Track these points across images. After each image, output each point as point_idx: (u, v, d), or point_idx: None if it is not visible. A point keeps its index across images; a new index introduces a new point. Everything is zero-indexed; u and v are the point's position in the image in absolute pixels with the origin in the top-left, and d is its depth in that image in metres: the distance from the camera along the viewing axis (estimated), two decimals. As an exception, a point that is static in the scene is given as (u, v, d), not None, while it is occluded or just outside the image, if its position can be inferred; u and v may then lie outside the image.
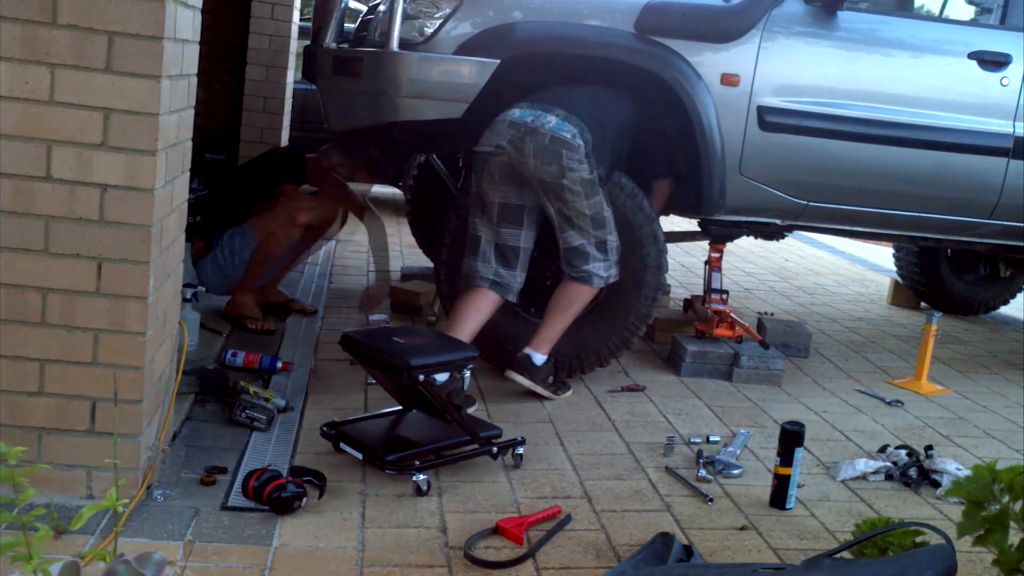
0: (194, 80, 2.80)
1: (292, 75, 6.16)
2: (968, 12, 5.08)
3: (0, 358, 2.43)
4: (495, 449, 3.01)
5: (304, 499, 2.62)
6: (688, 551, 2.54)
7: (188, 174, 2.86)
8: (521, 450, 3.07)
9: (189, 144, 2.82)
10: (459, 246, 3.88)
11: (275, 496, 2.58)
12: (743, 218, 4.26)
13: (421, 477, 2.79)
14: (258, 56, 5.81)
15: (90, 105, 2.35)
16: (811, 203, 4.21)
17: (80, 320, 2.43)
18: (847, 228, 4.53)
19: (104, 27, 2.32)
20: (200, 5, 2.74)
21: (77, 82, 2.33)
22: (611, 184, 3.86)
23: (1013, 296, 6.25)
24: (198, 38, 2.78)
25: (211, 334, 4.00)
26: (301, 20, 6.66)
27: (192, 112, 2.81)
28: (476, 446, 2.99)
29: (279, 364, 3.71)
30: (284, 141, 6.15)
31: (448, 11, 3.78)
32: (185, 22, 2.58)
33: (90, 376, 2.46)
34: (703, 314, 4.42)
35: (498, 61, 3.75)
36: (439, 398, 2.97)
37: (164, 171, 2.50)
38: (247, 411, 3.18)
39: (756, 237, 4.69)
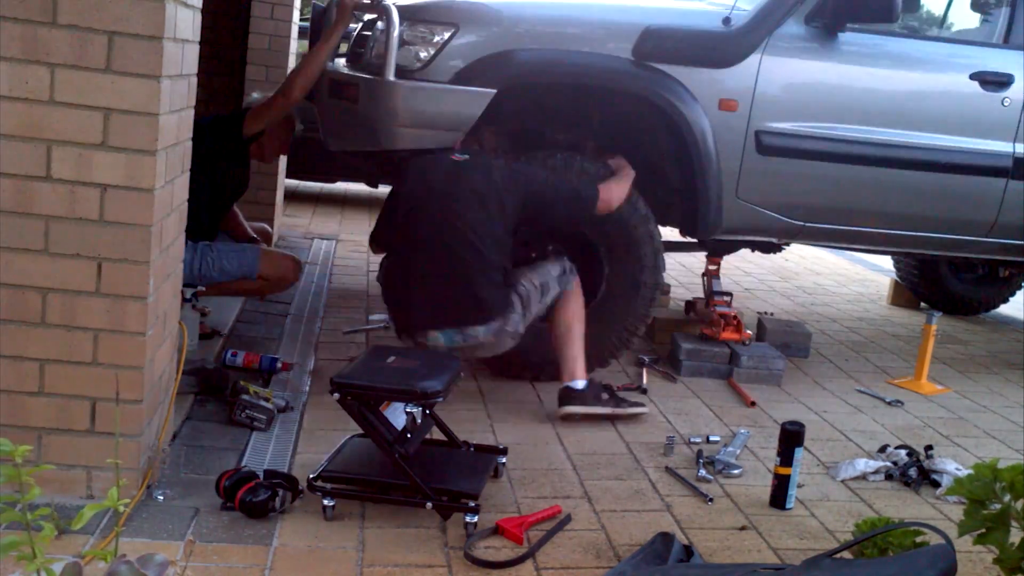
0: (194, 80, 2.80)
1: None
2: (970, 32, 5.07)
3: (0, 358, 2.43)
4: (429, 504, 2.63)
5: (280, 502, 2.60)
6: (688, 551, 2.54)
7: (188, 174, 2.86)
8: (474, 518, 2.60)
9: (189, 144, 2.82)
10: None
11: (247, 500, 2.56)
12: (739, 237, 4.26)
13: (328, 503, 2.62)
14: (258, 56, 5.80)
15: (90, 105, 2.35)
16: (808, 224, 4.20)
17: (80, 320, 2.43)
18: (844, 246, 4.53)
19: (104, 27, 2.32)
20: (200, 5, 2.74)
21: (77, 82, 2.33)
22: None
23: (1012, 295, 6.26)
24: (198, 38, 2.78)
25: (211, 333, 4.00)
26: (301, 20, 6.65)
27: (192, 112, 2.81)
28: (418, 496, 2.66)
29: (279, 364, 3.70)
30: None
31: (445, 38, 3.76)
32: (185, 22, 2.58)
33: (90, 376, 2.46)
34: (707, 316, 4.41)
35: (494, 91, 3.73)
36: (361, 424, 2.72)
37: (164, 171, 2.50)
38: (247, 411, 3.18)
39: (754, 250, 4.70)
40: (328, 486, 2.65)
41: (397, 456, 2.64)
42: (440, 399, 2.70)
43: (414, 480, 2.64)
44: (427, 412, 2.73)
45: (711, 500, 2.95)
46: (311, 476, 2.69)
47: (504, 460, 3.00)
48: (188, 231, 3.02)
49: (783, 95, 4.04)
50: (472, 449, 3.02)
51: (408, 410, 2.68)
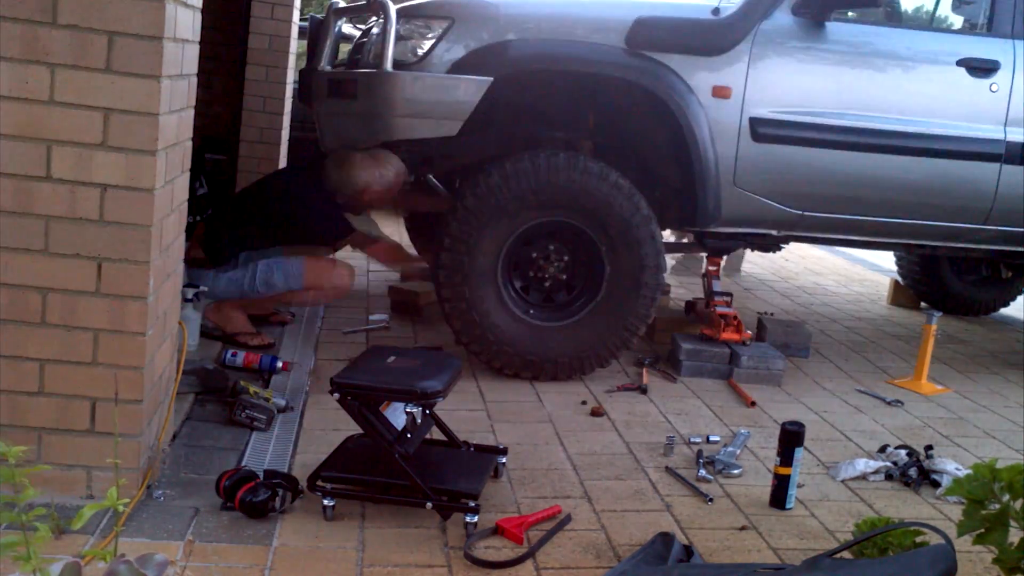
0: (194, 80, 2.80)
1: (292, 75, 6.16)
2: (956, 20, 5.12)
3: (0, 358, 2.43)
4: (429, 504, 2.62)
5: (280, 502, 2.60)
6: (688, 551, 2.54)
7: (188, 174, 2.86)
8: (474, 518, 2.59)
9: (189, 144, 2.82)
10: (458, 250, 3.87)
11: (247, 500, 2.56)
12: (739, 229, 4.27)
13: (328, 503, 2.61)
14: (258, 56, 5.81)
15: (90, 105, 2.35)
16: (807, 213, 4.22)
17: (80, 320, 2.43)
18: (844, 237, 4.55)
19: (104, 27, 2.32)
20: (200, 5, 2.74)
21: (77, 82, 2.33)
22: (608, 185, 3.87)
23: (1014, 298, 6.25)
24: (198, 38, 2.78)
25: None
26: (301, 20, 6.66)
27: (192, 112, 2.81)
28: (419, 496, 2.65)
29: (279, 364, 3.71)
30: (284, 141, 6.14)
31: (440, 31, 3.80)
32: (185, 22, 2.58)
33: (90, 376, 2.45)
34: (707, 317, 4.41)
35: (491, 79, 3.76)
36: (361, 424, 2.69)
37: (164, 171, 2.50)
38: (247, 411, 3.18)
39: (753, 249, 4.70)
40: (328, 486, 2.65)
41: (397, 456, 2.64)
42: (440, 399, 2.70)
43: (414, 480, 2.63)
44: (427, 412, 2.73)
45: (711, 500, 2.95)
46: (311, 476, 2.69)
47: (504, 460, 3.00)
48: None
49: (775, 83, 4.08)
50: (472, 449, 3.02)
51: (408, 410, 2.67)
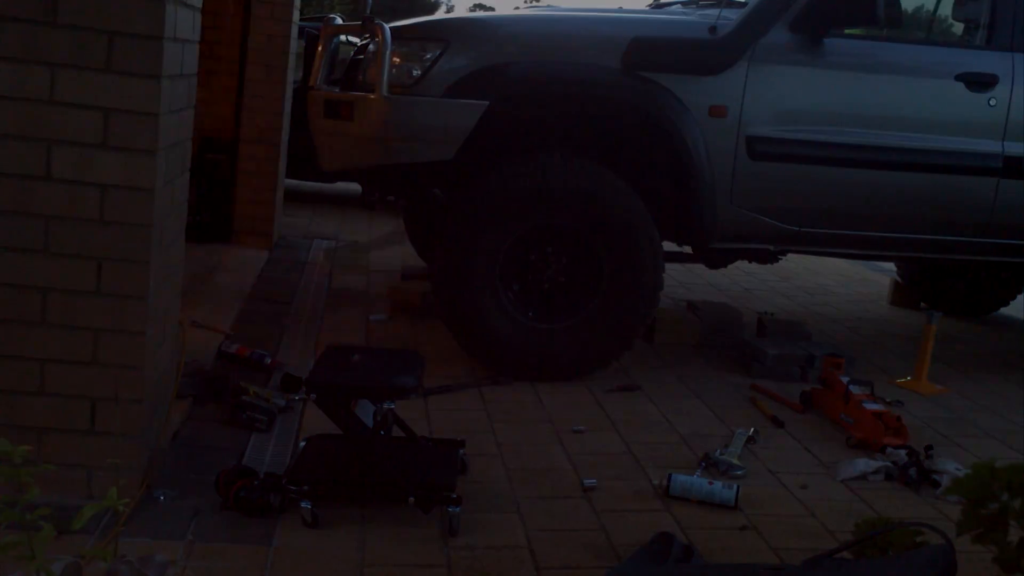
0: (194, 80, 2.80)
1: (292, 75, 6.16)
2: (954, 34, 5.11)
3: (0, 358, 2.43)
4: (412, 499, 2.62)
5: (274, 498, 2.59)
6: (688, 551, 2.54)
7: (188, 174, 2.86)
8: (456, 509, 2.60)
9: (189, 144, 2.82)
10: (455, 253, 3.87)
11: (241, 495, 2.56)
12: (737, 245, 4.27)
13: (305, 505, 2.57)
14: (258, 56, 5.81)
15: (90, 105, 2.35)
16: (804, 228, 4.21)
17: (80, 320, 2.43)
18: (841, 251, 4.54)
19: (104, 27, 2.32)
20: (200, 5, 2.74)
21: (77, 82, 2.33)
22: (604, 186, 3.86)
23: (1013, 297, 6.25)
24: (198, 38, 2.78)
25: (212, 332, 4.00)
26: (301, 20, 6.66)
27: (192, 112, 2.81)
28: (398, 491, 2.67)
29: (268, 360, 3.71)
30: (284, 141, 6.14)
31: (436, 54, 3.80)
32: (185, 22, 2.58)
33: (90, 376, 2.45)
34: (854, 416, 3.66)
35: (487, 103, 3.76)
36: (337, 423, 2.73)
37: (164, 171, 2.50)
38: (248, 412, 3.19)
39: (750, 261, 4.70)
40: (305, 487, 2.60)
41: (378, 453, 2.66)
42: (414, 395, 2.78)
43: (396, 476, 2.64)
44: (391, 408, 2.75)
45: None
46: (284, 481, 2.65)
47: (463, 452, 2.97)
48: None
49: (772, 101, 4.07)
50: (431, 443, 3.01)
51: (387, 406, 2.69)
